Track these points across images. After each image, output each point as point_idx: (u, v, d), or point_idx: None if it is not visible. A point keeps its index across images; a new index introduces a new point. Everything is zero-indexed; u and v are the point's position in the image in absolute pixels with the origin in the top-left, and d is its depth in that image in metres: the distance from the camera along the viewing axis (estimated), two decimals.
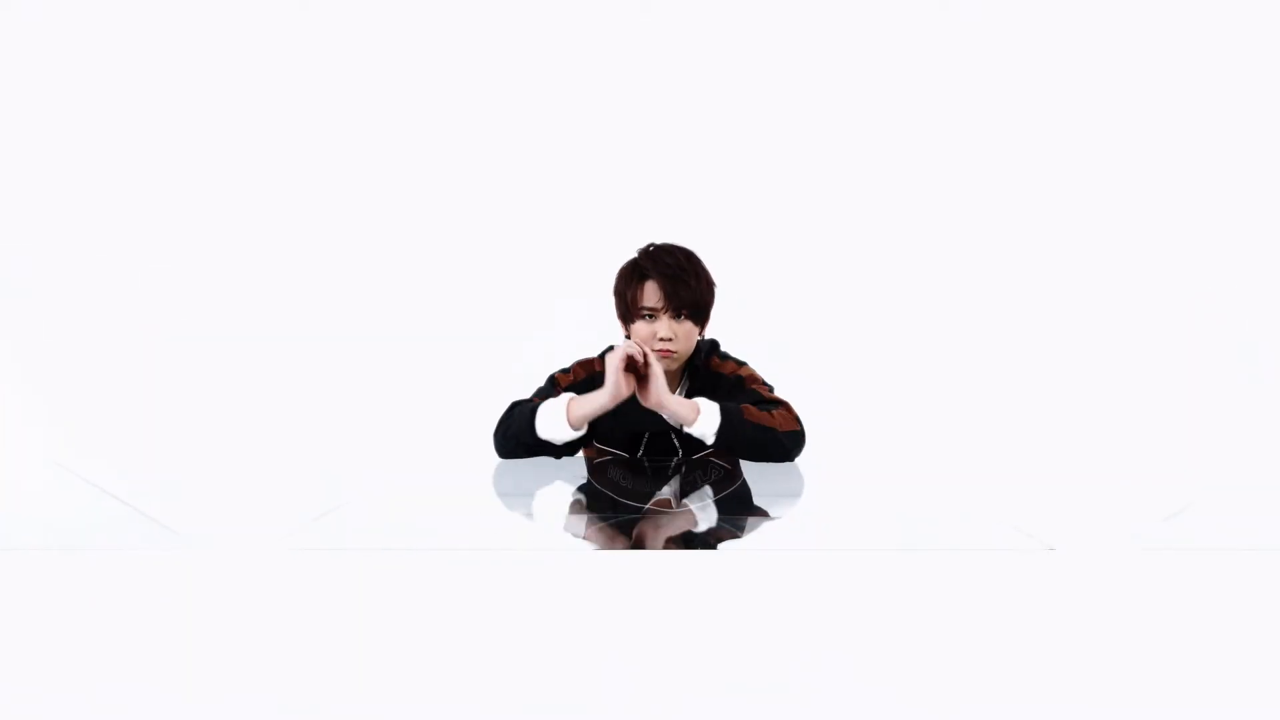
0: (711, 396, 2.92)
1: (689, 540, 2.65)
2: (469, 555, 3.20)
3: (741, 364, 3.09)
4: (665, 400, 2.75)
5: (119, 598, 2.67)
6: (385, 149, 5.38)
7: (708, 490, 2.76)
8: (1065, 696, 2.64)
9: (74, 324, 5.25)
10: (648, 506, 2.74)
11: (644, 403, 2.78)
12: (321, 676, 2.53)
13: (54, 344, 5.25)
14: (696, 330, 2.91)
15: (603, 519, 2.77)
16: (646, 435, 2.97)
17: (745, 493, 2.77)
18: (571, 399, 2.83)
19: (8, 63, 5.29)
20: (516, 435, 2.86)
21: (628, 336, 2.91)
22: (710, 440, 2.81)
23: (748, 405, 2.82)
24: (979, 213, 5.32)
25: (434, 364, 5.22)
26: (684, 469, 2.85)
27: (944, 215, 5.34)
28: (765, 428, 2.78)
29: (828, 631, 2.65)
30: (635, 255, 2.92)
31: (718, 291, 2.89)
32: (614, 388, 2.76)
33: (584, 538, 2.83)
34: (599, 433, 2.94)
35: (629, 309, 2.84)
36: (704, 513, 2.91)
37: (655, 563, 2.82)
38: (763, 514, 2.90)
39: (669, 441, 2.93)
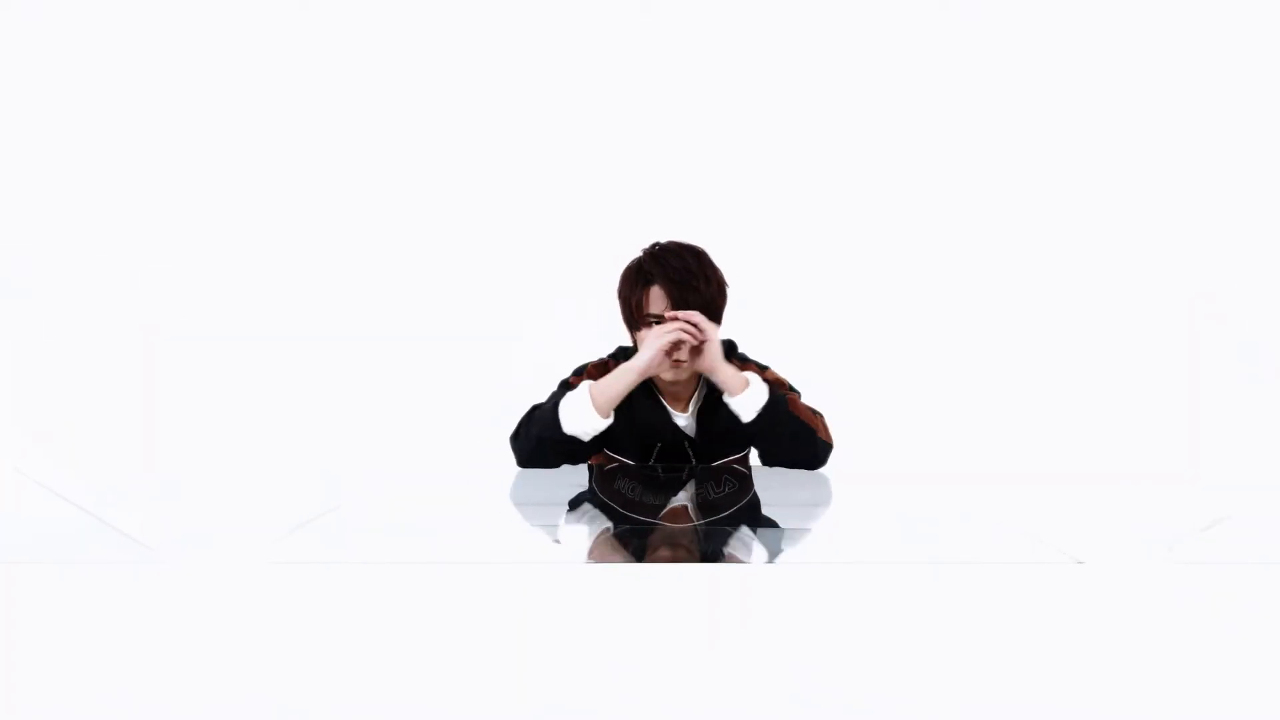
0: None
1: (705, 553, 2.59)
2: (466, 566, 3.20)
3: (764, 367, 2.96)
4: (718, 366, 2.65)
5: (98, 610, 2.65)
6: (383, 148, 5.36)
7: (722, 501, 2.68)
8: (1093, 715, 2.63)
9: (70, 324, 5.23)
10: (660, 518, 2.63)
11: (696, 368, 2.65)
12: (309, 687, 2.52)
13: (47, 345, 5.23)
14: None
15: (615, 531, 2.68)
16: (659, 446, 2.86)
17: (757, 503, 2.70)
18: (593, 385, 2.68)
19: (6, 63, 5.28)
20: (539, 435, 2.69)
21: (634, 343, 2.75)
22: (748, 417, 2.70)
23: (795, 397, 2.73)
24: (998, 216, 5.31)
25: (430, 364, 5.21)
26: (698, 477, 2.78)
27: (962, 220, 5.33)
28: (808, 425, 2.69)
29: (847, 645, 2.62)
30: (639, 256, 2.75)
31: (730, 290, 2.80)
32: (648, 361, 2.63)
33: (592, 550, 2.74)
34: (611, 441, 2.84)
35: (634, 316, 2.69)
36: (719, 524, 2.84)
37: (667, 575, 2.78)
38: (776, 525, 2.81)
39: (683, 451, 2.85)
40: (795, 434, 2.71)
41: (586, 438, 2.70)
